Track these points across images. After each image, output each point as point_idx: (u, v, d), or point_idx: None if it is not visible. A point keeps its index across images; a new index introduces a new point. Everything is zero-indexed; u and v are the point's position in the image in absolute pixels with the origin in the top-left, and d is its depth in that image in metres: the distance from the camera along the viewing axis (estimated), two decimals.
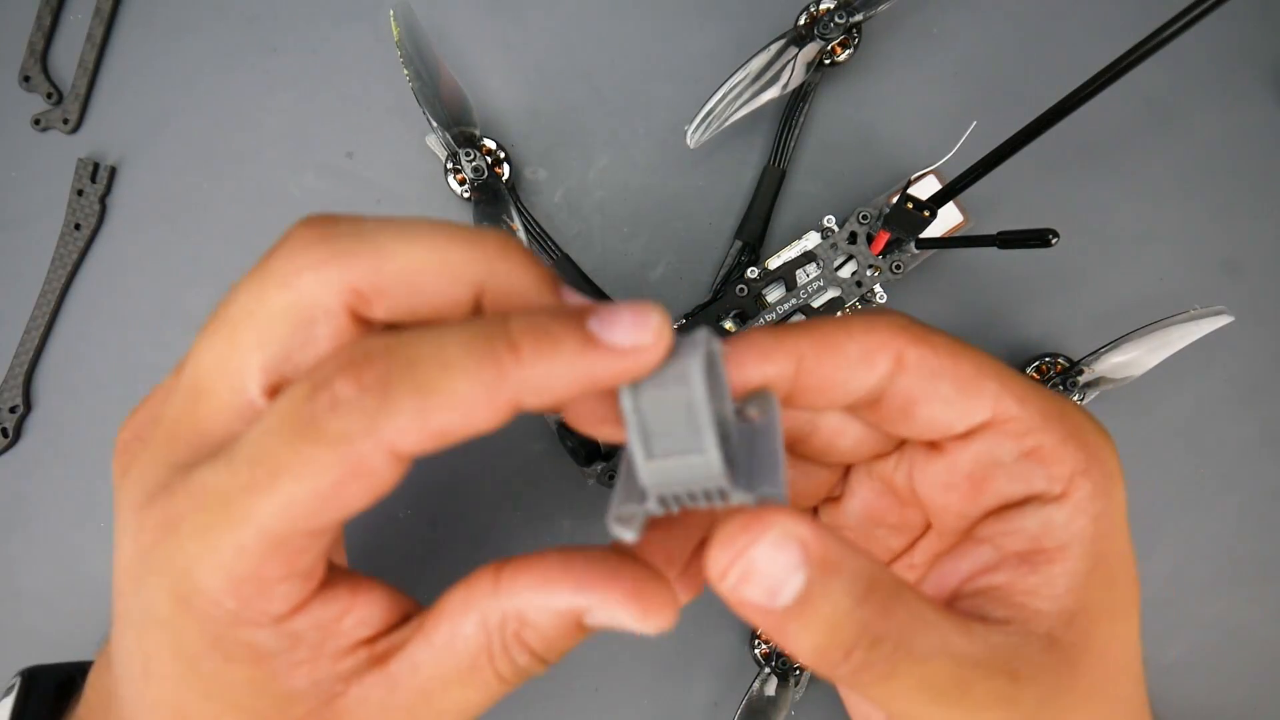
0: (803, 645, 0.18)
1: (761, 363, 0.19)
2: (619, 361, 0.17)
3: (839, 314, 0.29)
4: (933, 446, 0.22)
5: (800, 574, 0.17)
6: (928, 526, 0.25)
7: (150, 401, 0.20)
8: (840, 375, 0.20)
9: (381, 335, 0.18)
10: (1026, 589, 0.20)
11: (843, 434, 0.23)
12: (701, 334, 0.18)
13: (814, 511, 0.26)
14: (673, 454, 0.17)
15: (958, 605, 0.20)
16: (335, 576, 0.20)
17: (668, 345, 0.17)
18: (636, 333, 0.17)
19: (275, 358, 0.18)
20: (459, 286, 0.18)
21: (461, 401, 0.17)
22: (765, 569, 0.17)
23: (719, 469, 0.17)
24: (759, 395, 0.19)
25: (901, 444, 0.24)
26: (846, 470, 0.25)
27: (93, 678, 0.22)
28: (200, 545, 0.18)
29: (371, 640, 0.20)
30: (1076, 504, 0.20)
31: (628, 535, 0.18)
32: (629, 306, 0.17)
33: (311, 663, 0.19)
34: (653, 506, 0.18)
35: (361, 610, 0.20)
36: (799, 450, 0.24)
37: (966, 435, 0.21)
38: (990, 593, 0.20)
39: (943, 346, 0.20)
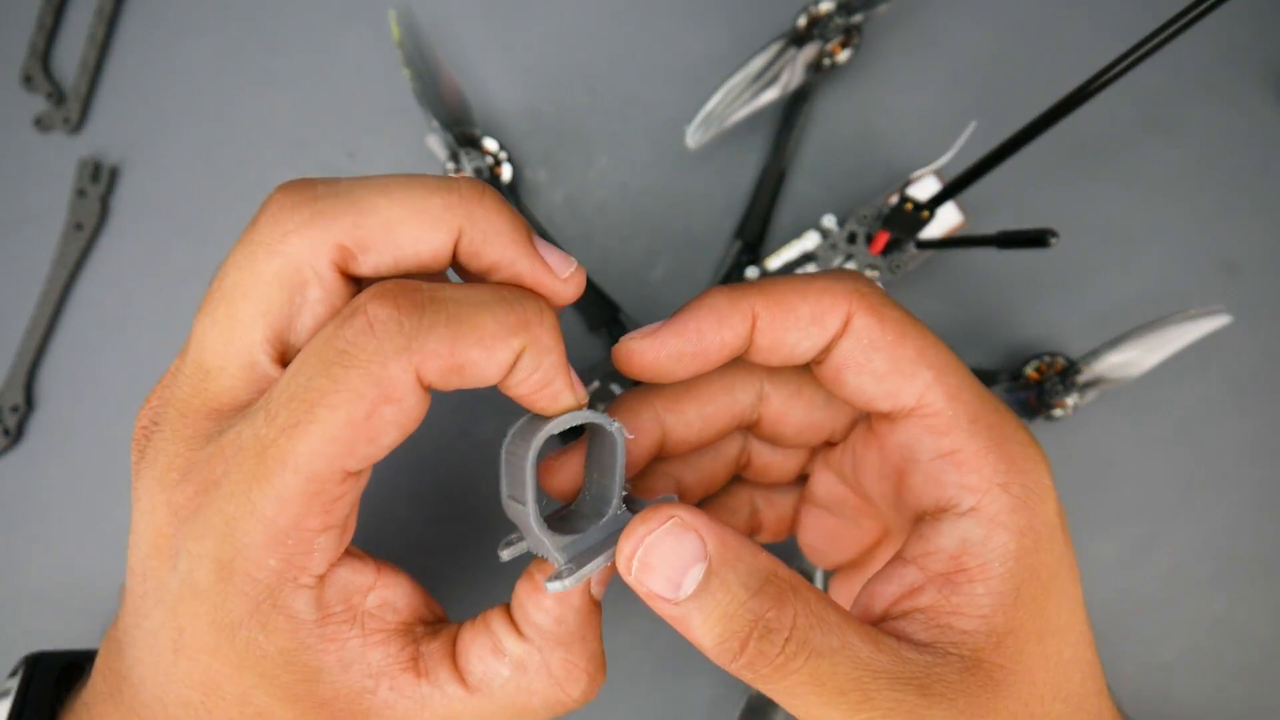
0: (704, 637, 0.19)
1: (718, 327, 0.21)
2: (567, 392, 0.20)
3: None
4: (868, 431, 0.23)
5: (700, 565, 0.19)
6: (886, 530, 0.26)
7: (162, 386, 0.21)
8: (791, 336, 0.21)
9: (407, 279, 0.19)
10: (950, 609, 0.19)
11: (785, 419, 0.24)
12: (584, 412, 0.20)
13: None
14: (518, 499, 0.20)
15: (884, 627, 0.20)
16: (360, 553, 0.21)
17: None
18: (579, 384, 0.20)
19: (277, 326, 0.19)
20: (439, 233, 0.19)
21: (487, 336, 0.18)
22: (667, 558, 0.19)
23: (534, 522, 0.20)
24: (667, 498, 0.21)
25: (848, 433, 0.25)
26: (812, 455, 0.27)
27: (100, 663, 0.22)
28: (240, 504, 0.18)
29: (399, 632, 0.21)
30: (994, 518, 0.19)
31: (503, 555, 0.22)
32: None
33: (341, 640, 0.20)
34: (517, 549, 0.22)
35: (385, 590, 0.21)
36: (755, 431, 0.25)
37: (891, 417, 0.21)
38: (915, 615, 0.20)
39: (891, 322, 0.20)
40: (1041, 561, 0.20)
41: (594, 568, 0.20)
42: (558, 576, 0.20)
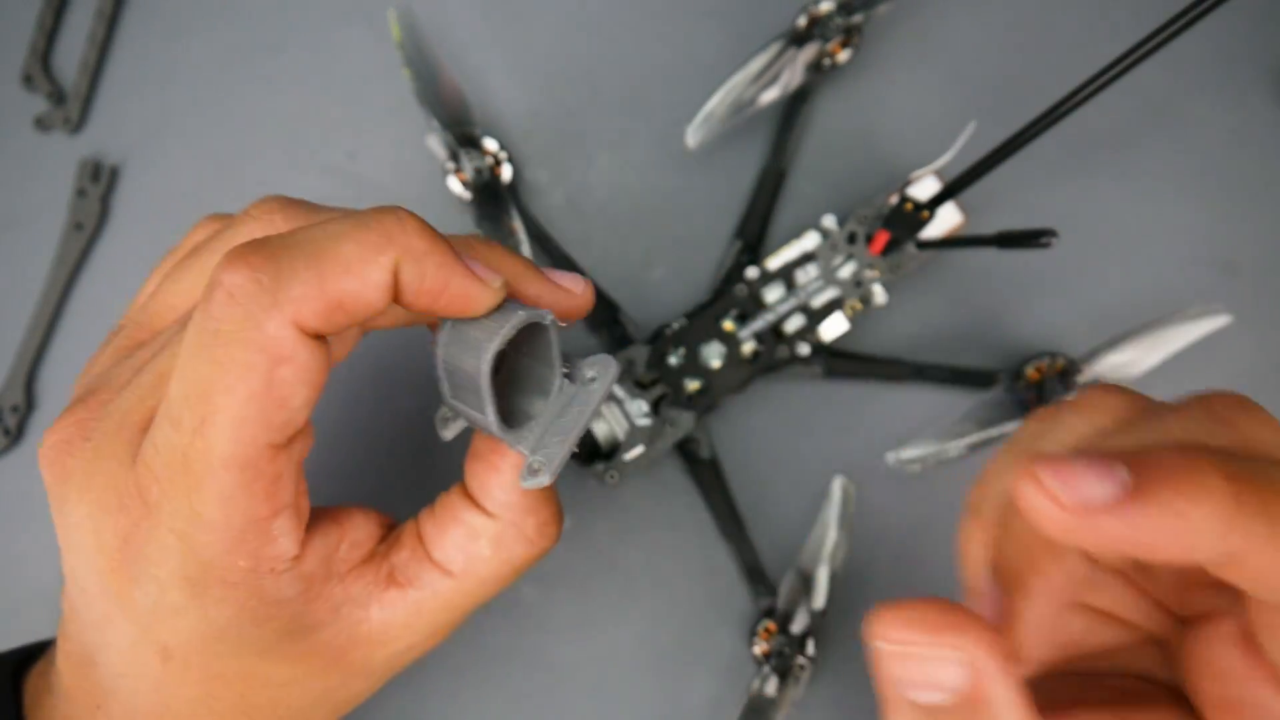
0: None
1: (1170, 550, 0.13)
2: (476, 286, 0.19)
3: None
4: None
5: (938, 696, 0.14)
6: None
7: (89, 396, 0.20)
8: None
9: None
10: None
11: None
12: (514, 309, 0.20)
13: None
14: (468, 404, 0.20)
15: None
16: (317, 513, 0.21)
17: (499, 298, 0.19)
18: (487, 273, 0.19)
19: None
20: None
21: (354, 262, 0.17)
22: (925, 664, 0.14)
23: (496, 428, 0.20)
24: (600, 359, 0.21)
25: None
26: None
27: (70, 682, 0.21)
28: (187, 519, 0.18)
29: (369, 558, 0.21)
30: None
31: (445, 435, 0.22)
32: (488, 248, 0.20)
33: (325, 593, 0.20)
34: (456, 426, 0.22)
35: (352, 534, 0.21)
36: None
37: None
38: None
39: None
40: None
41: (564, 456, 0.20)
42: (533, 473, 0.20)
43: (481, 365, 0.19)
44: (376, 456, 0.34)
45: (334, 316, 0.17)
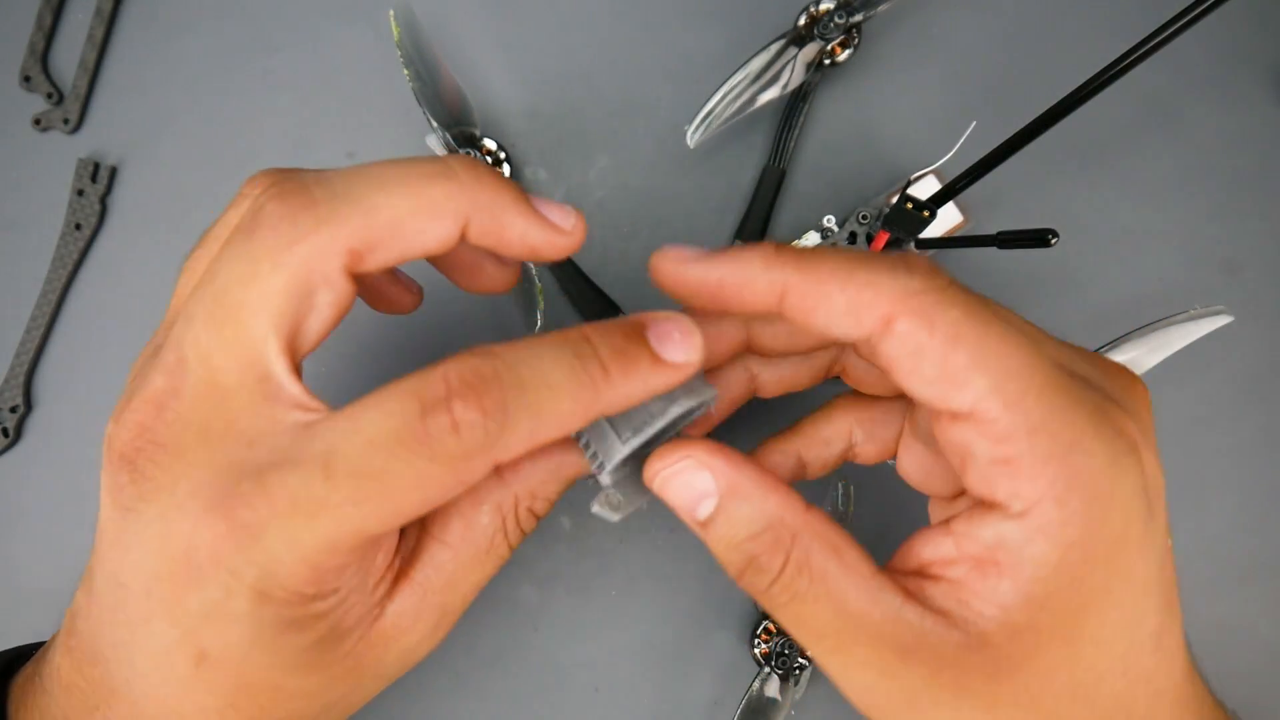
0: (714, 553, 0.21)
1: (740, 291, 0.21)
2: (676, 375, 0.20)
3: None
4: None
5: (711, 500, 0.21)
6: None
7: (143, 396, 0.20)
8: (821, 321, 0.20)
9: (482, 352, 0.19)
10: (973, 590, 0.19)
11: (866, 375, 0.25)
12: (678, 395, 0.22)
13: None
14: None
15: (909, 583, 0.21)
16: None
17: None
18: (687, 352, 0.21)
19: (288, 336, 0.19)
20: (445, 223, 0.20)
21: (565, 419, 0.19)
22: (680, 492, 0.21)
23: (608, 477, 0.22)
24: (703, 388, 0.22)
25: None
26: None
27: (69, 677, 0.21)
28: (288, 549, 0.18)
29: (386, 565, 0.21)
30: (1039, 528, 0.19)
31: (614, 518, 0.23)
32: (675, 324, 0.21)
33: (357, 602, 0.20)
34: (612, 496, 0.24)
35: (386, 543, 0.21)
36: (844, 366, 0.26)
37: (946, 415, 0.20)
38: (941, 582, 0.20)
39: (942, 326, 0.19)
40: (1091, 575, 0.19)
41: (641, 501, 0.23)
42: (611, 506, 0.22)
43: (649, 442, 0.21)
44: None
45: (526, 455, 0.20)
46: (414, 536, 0.22)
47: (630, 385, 0.20)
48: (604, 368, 0.19)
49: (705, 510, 0.21)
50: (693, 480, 0.21)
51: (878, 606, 0.20)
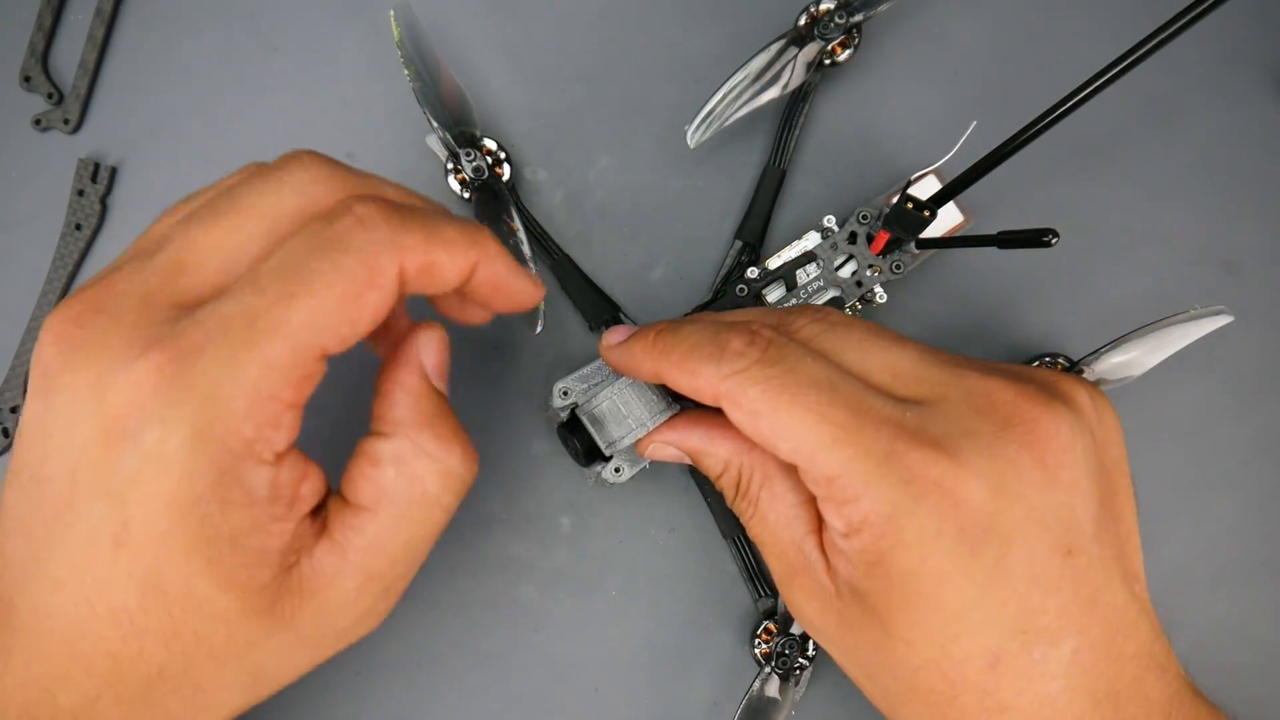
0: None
1: (641, 372, 0.28)
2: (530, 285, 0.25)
3: (843, 310, 0.28)
4: None
5: (687, 460, 0.28)
6: None
7: (108, 281, 0.20)
8: (688, 393, 0.26)
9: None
10: (834, 547, 0.24)
11: None
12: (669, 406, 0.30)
13: None
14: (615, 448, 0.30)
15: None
16: (293, 448, 0.21)
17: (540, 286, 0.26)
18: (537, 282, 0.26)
19: (269, 238, 0.21)
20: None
21: (452, 242, 0.22)
22: (666, 453, 0.29)
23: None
24: (673, 404, 0.30)
25: None
26: None
27: None
28: (225, 369, 0.19)
29: (313, 511, 0.22)
30: (863, 537, 0.22)
31: (612, 480, 0.31)
32: (469, 229, 0.23)
33: (284, 523, 0.21)
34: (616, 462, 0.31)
35: (314, 480, 0.22)
36: None
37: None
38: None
39: (745, 404, 0.23)
40: (889, 592, 0.22)
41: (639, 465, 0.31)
42: (615, 468, 0.31)
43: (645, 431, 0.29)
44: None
45: (421, 277, 0.21)
46: (334, 505, 0.22)
47: (501, 257, 0.24)
48: (479, 227, 0.23)
49: (688, 462, 0.29)
50: (670, 450, 0.29)
51: (786, 533, 0.25)
